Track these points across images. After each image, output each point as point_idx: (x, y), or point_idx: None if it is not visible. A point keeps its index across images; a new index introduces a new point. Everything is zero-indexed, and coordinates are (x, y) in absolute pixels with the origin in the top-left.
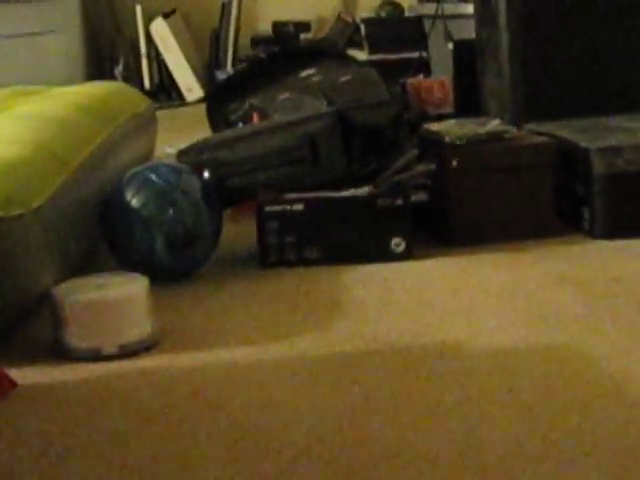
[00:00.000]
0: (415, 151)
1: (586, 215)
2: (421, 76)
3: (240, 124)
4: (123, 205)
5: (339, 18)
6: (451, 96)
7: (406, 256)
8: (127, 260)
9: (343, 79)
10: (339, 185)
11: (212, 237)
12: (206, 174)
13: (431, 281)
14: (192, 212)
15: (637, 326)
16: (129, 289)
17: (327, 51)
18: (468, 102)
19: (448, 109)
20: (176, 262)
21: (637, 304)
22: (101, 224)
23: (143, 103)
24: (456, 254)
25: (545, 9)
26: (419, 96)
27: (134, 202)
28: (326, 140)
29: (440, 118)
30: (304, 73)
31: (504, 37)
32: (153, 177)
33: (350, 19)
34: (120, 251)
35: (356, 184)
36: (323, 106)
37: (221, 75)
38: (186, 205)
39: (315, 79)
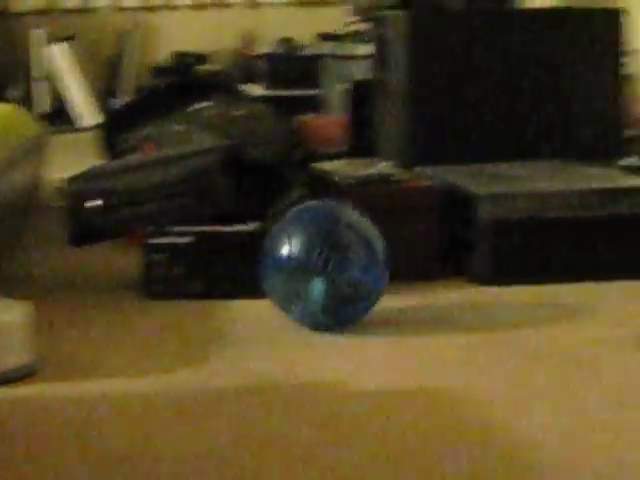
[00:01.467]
0: (305, 189)
1: (472, 261)
2: (316, 114)
3: (133, 153)
4: None
5: (238, 52)
6: (344, 135)
7: None
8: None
9: (237, 114)
10: (227, 219)
11: None
12: (98, 202)
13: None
14: None
15: (517, 374)
16: (6, 316)
17: (222, 85)
18: (361, 142)
19: (341, 148)
20: None
21: (519, 350)
22: None
23: (34, 127)
24: None
25: (441, 55)
26: (312, 134)
27: None
28: (216, 174)
29: (332, 157)
30: (198, 106)
31: (399, 80)
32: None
33: (250, 53)
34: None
35: (244, 219)
36: (215, 140)
37: (117, 103)
38: None
39: (209, 112)
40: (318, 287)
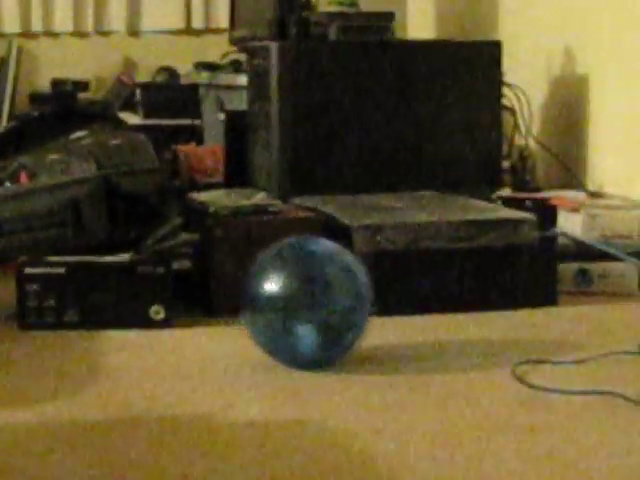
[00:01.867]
0: (180, 219)
1: None
2: (193, 144)
3: (7, 183)
4: None
5: (118, 80)
6: (222, 166)
7: (165, 324)
8: None
9: (113, 143)
10: (101, 250)
11: None
12: None
13: (188, 350)
14: None
15: (386, 404)
16: None
17: (99, 113)
18: (238, 173)
19: (218, 178)
20: None
21: (389, 382)
22: None
23: None
24: (215, 324)
25: (317, 87)
26: (190, 164)
27: None
28: (90, 204)
29: (209, 187)
30: (75, 135)
31: (274, 110)
32: None
33: (129, 81)
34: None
35: (118, 250)
36: (91, 169)
37: None
38: None
39: (85, 141)
40: (306, 325)
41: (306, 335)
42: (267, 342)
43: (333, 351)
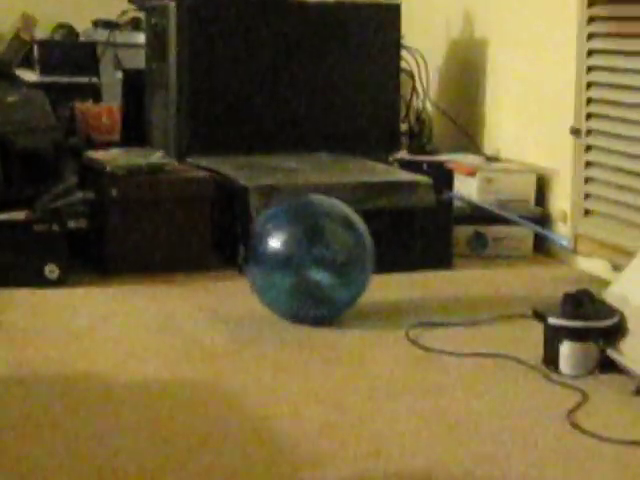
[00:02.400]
0: (75, 178)
1: (242, 252)
2: (91, 102)
3: None
4: None
5: (16, 36)
6: (119, 124)
7: (60, 283)
8: None
9: (9, 100)
10: None
11: None
12: None
13: (82, 310)
14: None
15: (280, 366)
16: None
17: None
18: (135, 131)
19: (115, 137)
20: None
21: (282, 343)
22: None
23: None
24: (110, 284)
25: (215, 47)
26: (87, 122)
27: None
28: None
29: (107, 145)
30: None
31: (172, 70)
32: None
33: (28, 38)
34: None
35: (13, 208)
36: None
37: None
38: None
39: None
40: (313, 276)
41: (309, 289)
42: (271, 298)
43: (334, 306)
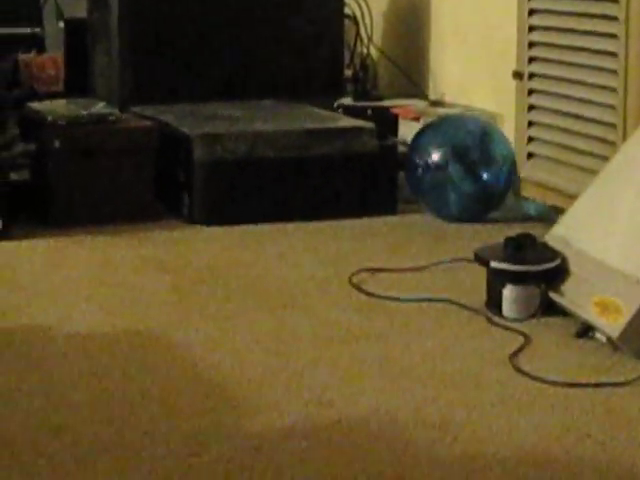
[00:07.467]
0: (16, 130)
1: (186, 201)
2: (34, 52)
3: None
4: None
5: None
6: (62, 75)
7: (2, 235)
8: None
9: None
10: None
11: None
12: None
13: (25, 262)
14: None
15: (223, 315)
16: None
17: None
18: (79, 82)
19: (59, 88)
20: None
21: (226, 292)
22: None
23: None
24: (53, 235)
25: None
26: (30, 73)
27: None
28: None
29: (50, 96)
30: None
31: (114, 18)
32: None
33: None
34: None
35: None
36: None
37: None
38: None
39: None
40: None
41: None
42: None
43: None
